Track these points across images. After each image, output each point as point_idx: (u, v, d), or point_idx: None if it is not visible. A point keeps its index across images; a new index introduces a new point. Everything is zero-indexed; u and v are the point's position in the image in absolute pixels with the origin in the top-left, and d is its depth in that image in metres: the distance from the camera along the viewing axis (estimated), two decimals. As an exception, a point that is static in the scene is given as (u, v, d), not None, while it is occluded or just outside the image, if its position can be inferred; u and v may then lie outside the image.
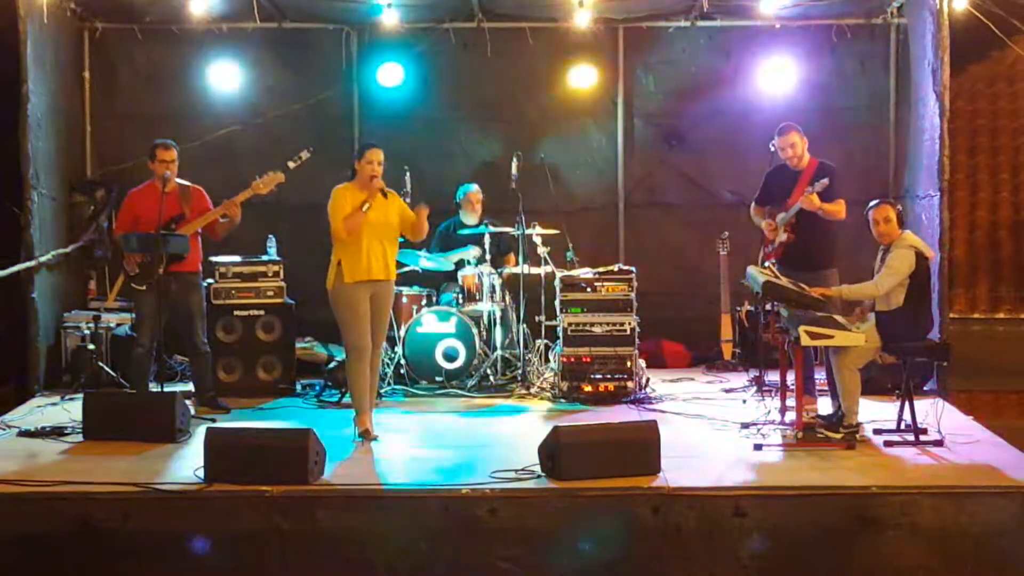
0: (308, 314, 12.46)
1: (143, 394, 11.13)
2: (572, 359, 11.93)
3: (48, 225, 12.57)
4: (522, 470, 8.79)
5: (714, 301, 13.42)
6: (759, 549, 8.18)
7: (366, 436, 10.04)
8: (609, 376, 11.89)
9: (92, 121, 14.16)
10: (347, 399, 10.89)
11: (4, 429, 10.61)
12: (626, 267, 12.31)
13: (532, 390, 12.17)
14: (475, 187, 13.28)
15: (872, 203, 10.31)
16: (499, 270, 12.73)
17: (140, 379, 11.23)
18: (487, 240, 12.64)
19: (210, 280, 12.17)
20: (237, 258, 12.44)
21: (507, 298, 12.78)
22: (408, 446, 10.04)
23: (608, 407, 11.57)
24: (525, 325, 12.49)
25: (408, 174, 12.30)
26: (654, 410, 11.44)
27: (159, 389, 11.05)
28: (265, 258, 12.50)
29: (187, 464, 9.08)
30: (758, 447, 9.64)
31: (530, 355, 12.57)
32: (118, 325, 12.72)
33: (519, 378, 12.36)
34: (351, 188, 10.17)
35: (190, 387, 11.64)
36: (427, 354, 12.34)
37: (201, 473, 8.65)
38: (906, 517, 8.20)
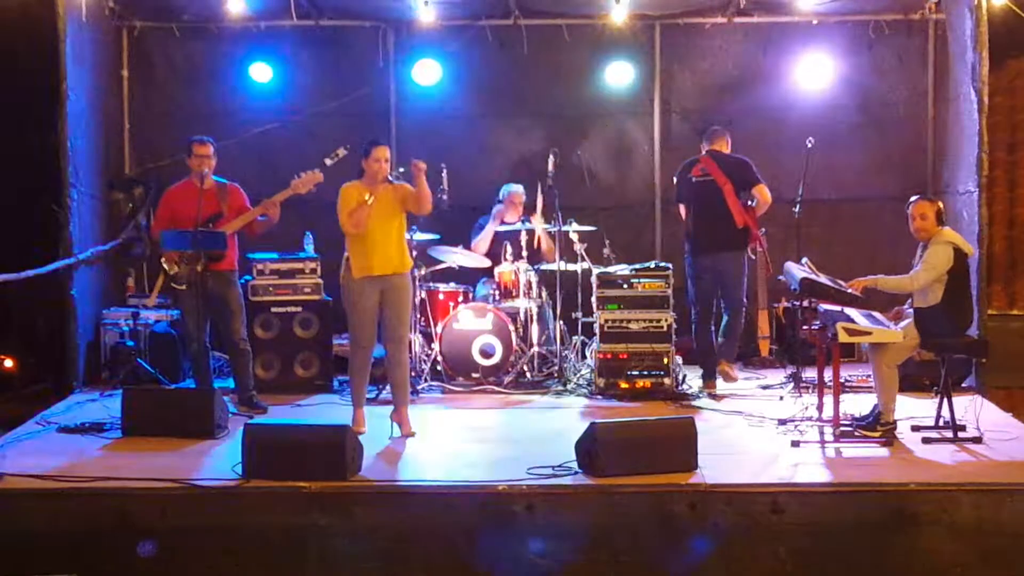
0: (345, 310, 12.48)
1: (182, 390, 11.19)
2: (609, 355, 11.92)
3: (87, 222, 12.63)
4: (559, 467, 8.80)
5: (751, 297, 13.39)
6: (797, 545, 8.17)
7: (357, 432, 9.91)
8: (646, 372, 11.89)
9: (131, 119, 14.24)
10: (384, 395, 10.92)
11: (44, 425, 10.68)
12: (663, 263, 12.32)
13: (569, 386, 12.19)
14: (518, 188, 13.28)
15: (911, 199, 10.27)
16: (535, 267, 12.73)
17: (204, 374, 11.21)
18: (523, 237, 12.66)
19: (248, 277, 12.21)
20: (275, 255, 12.49)
21: (544, 294, 12.80)
22: (445, 442, 10.07)
23: (645, 403, 11.56)
24: (562, 321, 12.49)
25: (445, 171, 12.33)
26: (691, 406, 11.45)
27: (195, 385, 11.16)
28: (302, 255, 12.54)
29: (225, 460, 9.12)
30: (795, 444, 9.63)
31: (567, 351, 12.57)
32: (157, 322, 12.78)
33: (556, 374, 12.37)
34: (358, 186, 10.22)
35: (228, 383, 11.67)
36: (464, 350, 12.34)
37: (239, 469, 8.70)
38: (944, 514, 8.18)
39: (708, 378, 12.18)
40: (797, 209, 12.15)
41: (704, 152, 12.42)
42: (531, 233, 12.89)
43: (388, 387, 10.61)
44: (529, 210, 13.15)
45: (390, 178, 10.18)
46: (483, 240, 13.18)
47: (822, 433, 9.88)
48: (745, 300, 12.30)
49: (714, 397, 11.93)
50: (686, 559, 8.22)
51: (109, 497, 8.39)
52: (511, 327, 12.30)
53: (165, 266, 10.98)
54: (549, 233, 12.92)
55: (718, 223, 12.12)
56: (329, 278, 12.37)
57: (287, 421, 10.40)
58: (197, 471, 8.89)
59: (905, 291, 10.12)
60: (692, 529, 8.22)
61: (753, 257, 12.40)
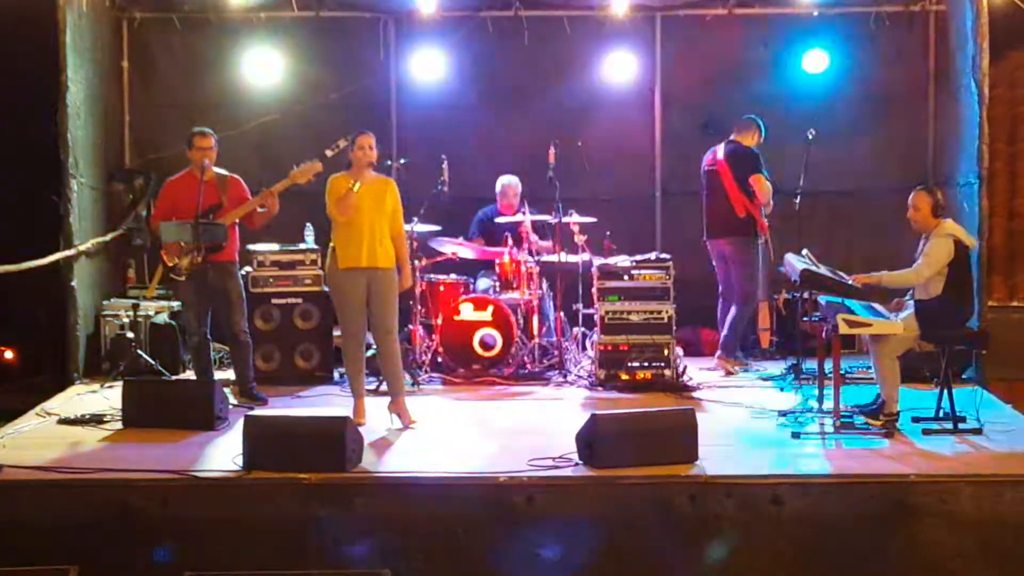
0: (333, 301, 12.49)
1: (182, 382, 11.18)
2: (609, 347, 11.92)
3: (87, 214, 12.64)
4: (559, 458, 8.79)
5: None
6: (797, 537, 8.17)
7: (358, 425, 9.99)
8: (646, 364, 11.89)
9: (131, 110, 14.26)
10: (384, 387, 10.91)
11: (44, 417, 10.68)
12: (663, 255, 12.32)
13: (569, 378, 12.18)
14: (512, 180, 13.28)
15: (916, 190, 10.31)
16: (536, 258, 12.72)
17: (204, 367, 11.19)
18: (527, 222, 12.66)
19: (247, 268, 12.21)
20: (275, 246, 12.50)
21: (544, 286, 12.80)
22: (445, 434, 10.06)
23: (645, 395, 11.56)
24: (562, 313, 12.49)
25: (445, 162, 12.32)
26: (691, 398, 11.45)
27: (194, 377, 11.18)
28: (303, 246, 12.55)
29: (225, 451, 9.13)
30: (796, 435, 9.63)
31: (567, 343, 12.57)
32: (157, 313, 12.79)
33: (556, 366, 12.37)
34: (345, 176, 10.26)
35: (229, 375, 11.68)
36: (464, 342, 12.34)
37: (239, 460, 8.70)
38: (944, 505, 8.18)
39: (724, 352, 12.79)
40: (797, 200, 12.16)
41: (725, 141, 12.82)
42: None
43: (387, 379, 10.64)
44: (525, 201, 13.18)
45: (377, 166, 10.24)
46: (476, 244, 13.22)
47: (822, 425, 9.90)
48: (749, 289, 12.42)
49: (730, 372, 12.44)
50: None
51: (109, 489, 8.38)
52: (512, 319, 12.30)
53: (165, 258, 10.97)
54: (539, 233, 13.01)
55: (719, 210, 12.65)
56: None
57: (287, 413, 10.43)
58: (197, 463, 8.90)
59: (910, 286, 10.14)
60: (693, 521, 8.23)
61: (764, 246, 12.46)
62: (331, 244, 10.27)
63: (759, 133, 12.75)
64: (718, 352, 12.76)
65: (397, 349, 10.47)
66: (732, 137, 12.79)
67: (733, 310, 12.62)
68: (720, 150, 12.74)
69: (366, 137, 10.27)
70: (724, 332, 12.72)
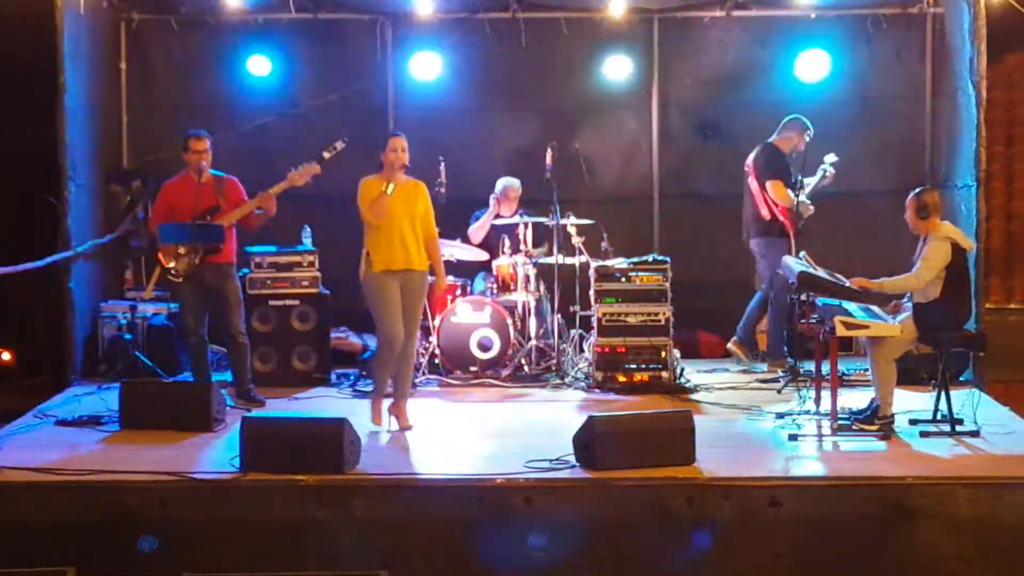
0: (343, 304, 12.47)
1: (180, 383, 11.16)
2: (607, 349, 11.93)
3: (85, 215, 12.62)
4: (556, 460, 8.79)
5: (749, 291, 13.38)
6: (795, 539, 8.18)
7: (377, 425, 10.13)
8: (644, 366, 11.89)
9: (129, 111, 14.23)
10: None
11: (41, 418, 10.68)
12: (661, 257, 12.32)
13: (566, 380, 12.18)
14: (514, 182, 13.28)
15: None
16: (533, 260, 12.72)
17: (201, 368, 11.21)
18: (521, 230, 12.65)
19: (245, 270, 12.20)
20: (272, 248, 12.48)
21: (542, 288, 12.79)
22: (442, 435, 10.06)
23: (643, 397, 11.56)
24: (559, 315, 12.49)
25: (443, 164, 12.32)
26: (689, 400, 11.44)
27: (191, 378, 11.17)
28: (300, 248, 12.53)
29: (223, 453, 9.13)
30: (793, 437, 9.63)
31: (564, 345, 12.57)
32: (154, 315, 12.78)
33: (553, 368, 12.38)
34: (377, 178, 10.20)
35: (226, 376, 11.66)
36: (461, 344, 12.34)
37: (237, 462, 8.69)
38: (942, 508, 8.19)
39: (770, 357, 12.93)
40: (796, 203, 12.16)
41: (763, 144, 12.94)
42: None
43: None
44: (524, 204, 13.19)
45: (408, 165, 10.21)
46: (479, 230, 13.21)
47: (820, 427, 9.90)
48: (772, 290, 12.48)
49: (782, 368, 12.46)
50: (685, 552, 8.23)
51: (107, 490, 8.39)
52: (509, 320, 12.30)
53: (162, 259, 10.95)
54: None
55: (748, 211, 12.84)
56: (327, 272, 12.38)
57: (285, 414, 10.41)
58: (195, 464, 8.89)
59: (910, 290, 10.13)
60: (690, 522, 8.23)
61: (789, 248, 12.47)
62: (364, 249, 10.21)
63: (798, 134, 12.68)
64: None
65: (415, 353, 10.49)
66: (771, 139, 12.81)
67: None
68: (755, 153, 12.80)
69: (398, 139, 10.21)
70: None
